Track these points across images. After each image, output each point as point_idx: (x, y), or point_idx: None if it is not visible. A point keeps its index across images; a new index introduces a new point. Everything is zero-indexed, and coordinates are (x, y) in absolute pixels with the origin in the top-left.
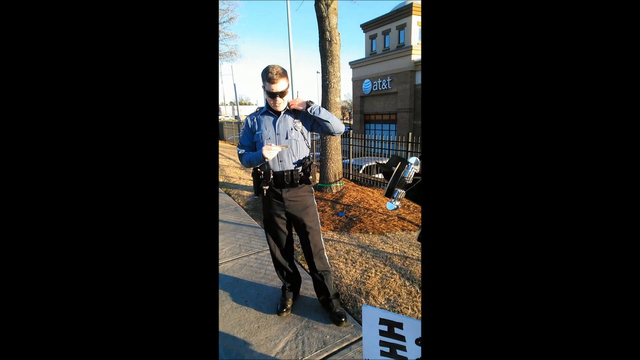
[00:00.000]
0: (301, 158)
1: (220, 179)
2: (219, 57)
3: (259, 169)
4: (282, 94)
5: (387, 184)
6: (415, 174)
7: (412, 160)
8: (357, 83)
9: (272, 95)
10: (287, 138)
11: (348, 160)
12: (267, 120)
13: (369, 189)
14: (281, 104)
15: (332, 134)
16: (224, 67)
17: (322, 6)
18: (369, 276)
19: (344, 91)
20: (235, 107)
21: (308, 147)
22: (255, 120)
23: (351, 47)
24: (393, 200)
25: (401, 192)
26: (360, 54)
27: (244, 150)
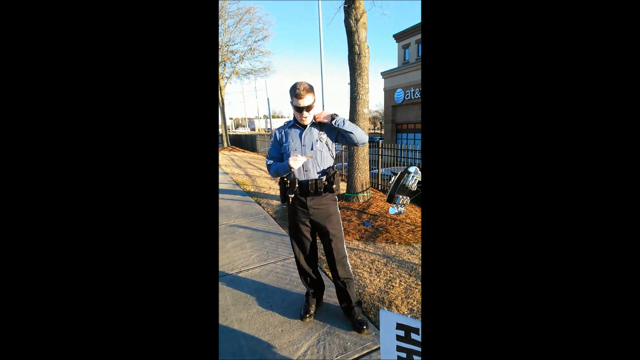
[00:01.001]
0: (325, 168)
1: (252, 189)
2: (254, 73)
3: (285, 179)
4: (308, 108)
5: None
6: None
7: (412, 169)
8: (389, 93)
9: (298, 109)
10: (312, 149)
11: (377, 170)
12: (294, 132)
13: None
14: (307, 118)
15: (355, 144)
16: (258, 83)
17: (351, 22)
18: (393, 286)
19: (375, 101)
20: (268, 119)
21: (332, 157)
22: (283, 133)
23: (382, 57)
24: (395, 205)
25: (403, 198)
26: (391, 64)
27: (272, 161)
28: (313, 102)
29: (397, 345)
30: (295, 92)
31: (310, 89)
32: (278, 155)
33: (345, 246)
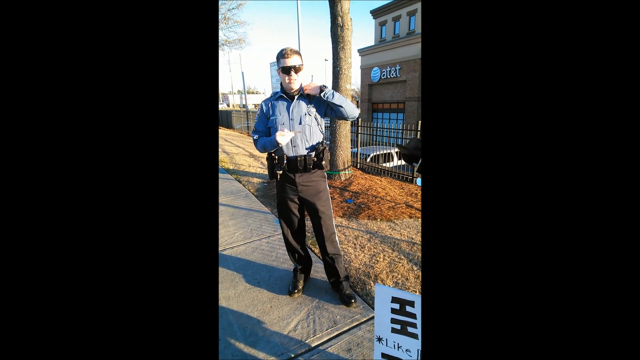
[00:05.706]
0: (314, 143)
1: (230, 166)
2: (228, 44)
3: (273, 154)
4: (296, 70)
5: (401, 165)
6: None
7: None
8: (365, 71)
9: (286, 70)
10: (300, 123)
11: (355, 149)
12: (282, 105)
13: (377, 177)
14: (296, 81)
15: (345, 118)
16: (232, 55)
17: None
18: (378, 260)
19: (352, 79)
20: (243, 95)
21: (321, 132)
22: (269, 105)
23: (359, 34)
24: None
25: None
26: (368, 41)
27: (258, 136)
28: (301, 65)
29: (392, 318)
30: (281, 53)
31: (297, 52)
32: (265, 129)
33: (334, 223)
